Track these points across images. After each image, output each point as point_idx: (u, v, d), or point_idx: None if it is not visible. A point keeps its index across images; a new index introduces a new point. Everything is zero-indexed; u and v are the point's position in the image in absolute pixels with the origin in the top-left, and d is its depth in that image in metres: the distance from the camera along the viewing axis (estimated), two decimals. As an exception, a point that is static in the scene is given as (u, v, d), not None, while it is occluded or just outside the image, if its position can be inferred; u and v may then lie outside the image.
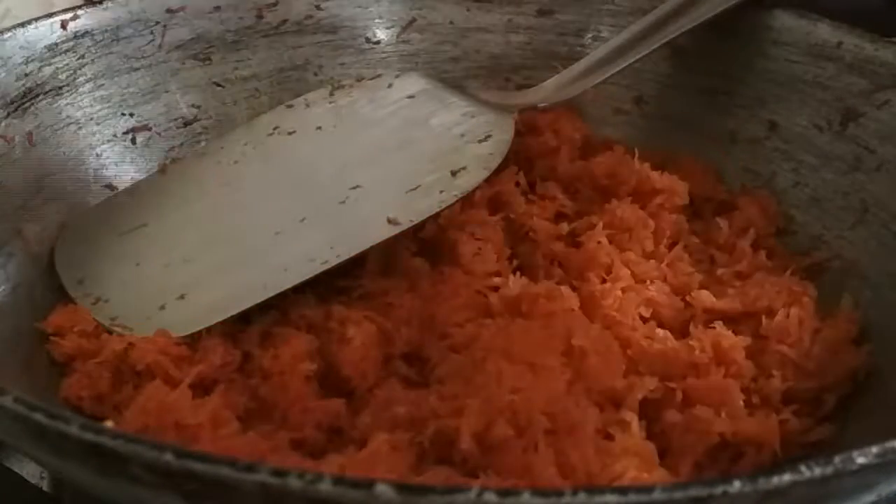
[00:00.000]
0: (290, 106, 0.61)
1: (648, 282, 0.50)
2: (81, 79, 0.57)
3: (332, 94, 0.62)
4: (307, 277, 0.48)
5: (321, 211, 0.51)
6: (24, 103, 0.54)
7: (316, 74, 0.64)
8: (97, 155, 0.56)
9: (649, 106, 0.62)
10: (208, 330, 0.46)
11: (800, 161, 0.56)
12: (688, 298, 0.50)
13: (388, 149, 0.55)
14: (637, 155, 0.56)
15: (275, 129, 0.59)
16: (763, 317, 0.47)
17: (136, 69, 0.59)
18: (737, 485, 0.30)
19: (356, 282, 0.49)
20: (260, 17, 0.63)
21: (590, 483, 0.39)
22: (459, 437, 0.39)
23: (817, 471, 0.30)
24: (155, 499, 0.32)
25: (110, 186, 0.56)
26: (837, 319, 0.47)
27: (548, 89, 0.59)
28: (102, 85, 0.58)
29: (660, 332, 0.46)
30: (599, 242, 0.51)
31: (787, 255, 0.53)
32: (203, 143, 0.60)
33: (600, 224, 0.52)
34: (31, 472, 0.46)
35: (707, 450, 0.42)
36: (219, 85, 0.62)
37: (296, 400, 0.43)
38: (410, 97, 0.59)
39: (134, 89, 0.59)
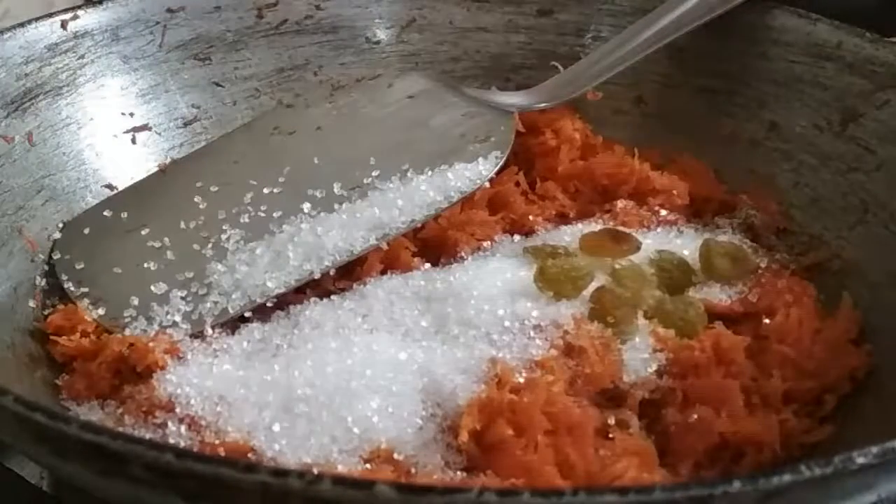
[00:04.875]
0: (290, 106, 0.61)
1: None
2: (81, 79, 0.57)
3: (332, 94, 0.62)
4: (307, 278, 0.48)
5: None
6: (24, 103, 0.54)
7: (316, 74, 0.64)
8: (97, 155, 0.56)
9: (649, 106, 0.62)
10: (210, 330, 0.47)
11: (800, 161, 0.56)
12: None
13: (388, 149, 0.55)
14: (637, 155, 0.56)
15: (275, 129, 0.59)
16: (763, 317, 0.47)
17: (136, 69, 0.59)
18: (737, 485, 0.30)
19: (356, 282, 0.49)
20: (260, 17, 0.63)
21: (590, 483, 0.39)
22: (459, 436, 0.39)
23: (817, 471, 0.30)
24: (155, 499, 0.32)
25: (110, 186, 0.56)
26: (837, 319, 0.47)
27: (548, 89, 0.59)
28: (102, 85, 0.58)
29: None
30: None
31: (787, 255, 0.53)
32: (203, 143, 0.60)
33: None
34: (31, 472, 0.46)
35: (707, 450, 0.42)
36: (219, 85, 0.62)
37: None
38: (410, 97, 0.59)
39: (134, 89, 0.59)
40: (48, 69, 0.55)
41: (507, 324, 0.44)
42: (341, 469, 0.38)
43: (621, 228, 0.51)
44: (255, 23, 0.63)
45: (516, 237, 0.53)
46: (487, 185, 0.53)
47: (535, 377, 0.41)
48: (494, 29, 0.65)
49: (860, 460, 0.31)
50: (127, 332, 0.47)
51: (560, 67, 0.61)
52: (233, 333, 0.47)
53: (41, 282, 0.50)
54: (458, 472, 0.39)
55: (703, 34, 0.59)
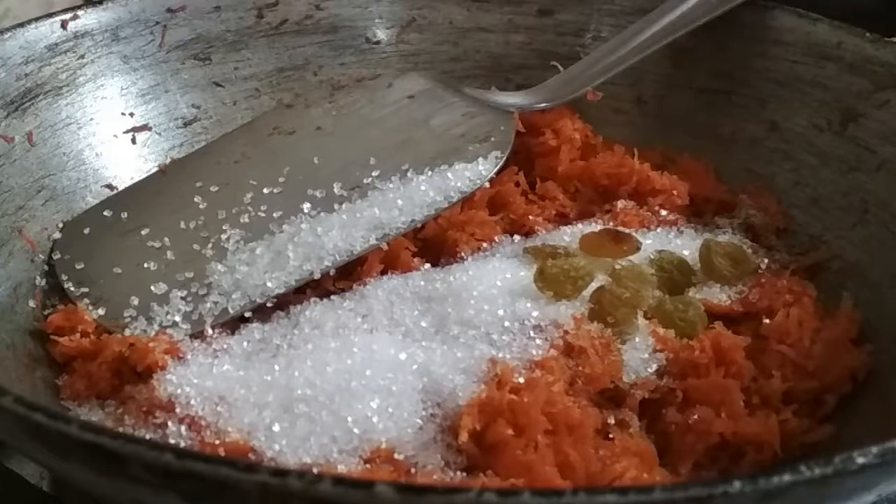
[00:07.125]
0: (290, 106, 0.61)
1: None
2: (81, 79, 0.57)
3: (332, 94, 0.62)
4: (307, 278, 0.48)
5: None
6: (24, 103, 0.54)
7: (316, 74, 0.64)
8: (97, 155, 0.56)
9: (649, 106, 0.62)
10: (210, 330, 0.47)
11: (800, 161, 0.56)
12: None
13: (388, 149, 0.55)
14: (637, 155, 0.56)
15: (275, 129, 0.59)
16: (763, 317, 0.47)
17: (136, 69, 0.59)
18: (737, 485, 0.30)
19: (356, 282, 0.49)
20: (260, 17, 0.63)
21: (590, 483, 0.39)
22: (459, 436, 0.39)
23: (817, 471, 0.30)
24: (155, 499, 0.32)
25: (110, 186, 0.56)
26: (837, 319, 0.47)
27: (548, 89, 0.59)
28: (102, 85, 0.58)
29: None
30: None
31: (787, 255, 0.53)
32: (203, 143, 0.60)
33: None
34: (30, 472, 0.46)
35: (707, 450, 0.42)
36: (219, 85, 0.62)
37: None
38: (410, 97, 0.59)
39: (134, 89, 0.59)
40: (48, 69, 0.55)
41: (507, 324, 0.44)
42: (341, 469, 0.38)
43: (621, 228, 0.51)
44: (255, 23, 0.63)
45: (516, 237, 0.53)
46: (487, 185, 0.53)
47: (535, 377, 0.41)
48: (494, 29, 0.65)
49: (860, 460, 0.31)
50: (127, 332, 0.47)
51: (560, 67, 0.61)
52: (233, 333, 0.47)
53: (41, 282, 0.50)
54: (458, 472, 0.39)
55: (703, 34, 0.59)
